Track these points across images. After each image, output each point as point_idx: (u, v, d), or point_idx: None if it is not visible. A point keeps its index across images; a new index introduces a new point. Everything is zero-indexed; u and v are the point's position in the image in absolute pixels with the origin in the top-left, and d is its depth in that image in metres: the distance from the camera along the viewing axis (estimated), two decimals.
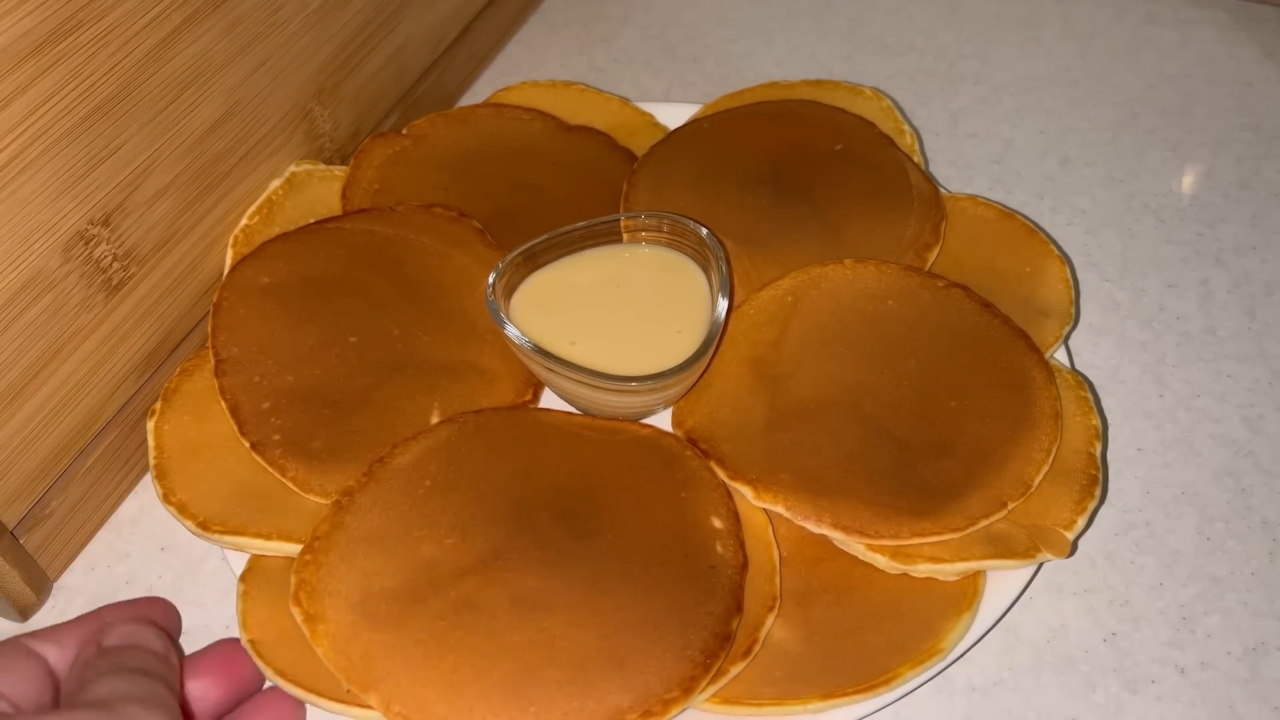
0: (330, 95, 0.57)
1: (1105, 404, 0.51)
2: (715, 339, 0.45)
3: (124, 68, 0.44)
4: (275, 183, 0.54)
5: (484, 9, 0.70)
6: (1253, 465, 0.49)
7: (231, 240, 0.52)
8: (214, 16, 0.48)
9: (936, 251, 0.52)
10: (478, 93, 0.70)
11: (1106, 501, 0.48)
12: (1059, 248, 0.53)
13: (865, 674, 0.39)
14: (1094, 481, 0.44)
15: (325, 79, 0.57)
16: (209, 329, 0.48)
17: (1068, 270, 0.52)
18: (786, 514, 0.42)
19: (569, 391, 0.47)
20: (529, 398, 0.49)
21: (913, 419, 0.45)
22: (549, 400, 0.49)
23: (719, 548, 0.41)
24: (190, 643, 0.45)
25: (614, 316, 0.49)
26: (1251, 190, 0.61)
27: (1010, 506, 0.42)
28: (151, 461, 0.45)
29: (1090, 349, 0.54)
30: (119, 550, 0.48)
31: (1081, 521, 0.43)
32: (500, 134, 0.59)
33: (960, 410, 0.45)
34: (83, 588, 0.47)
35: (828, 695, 0.39)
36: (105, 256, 0.45)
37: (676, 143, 0.57)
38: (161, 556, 0.47)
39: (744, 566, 0.41)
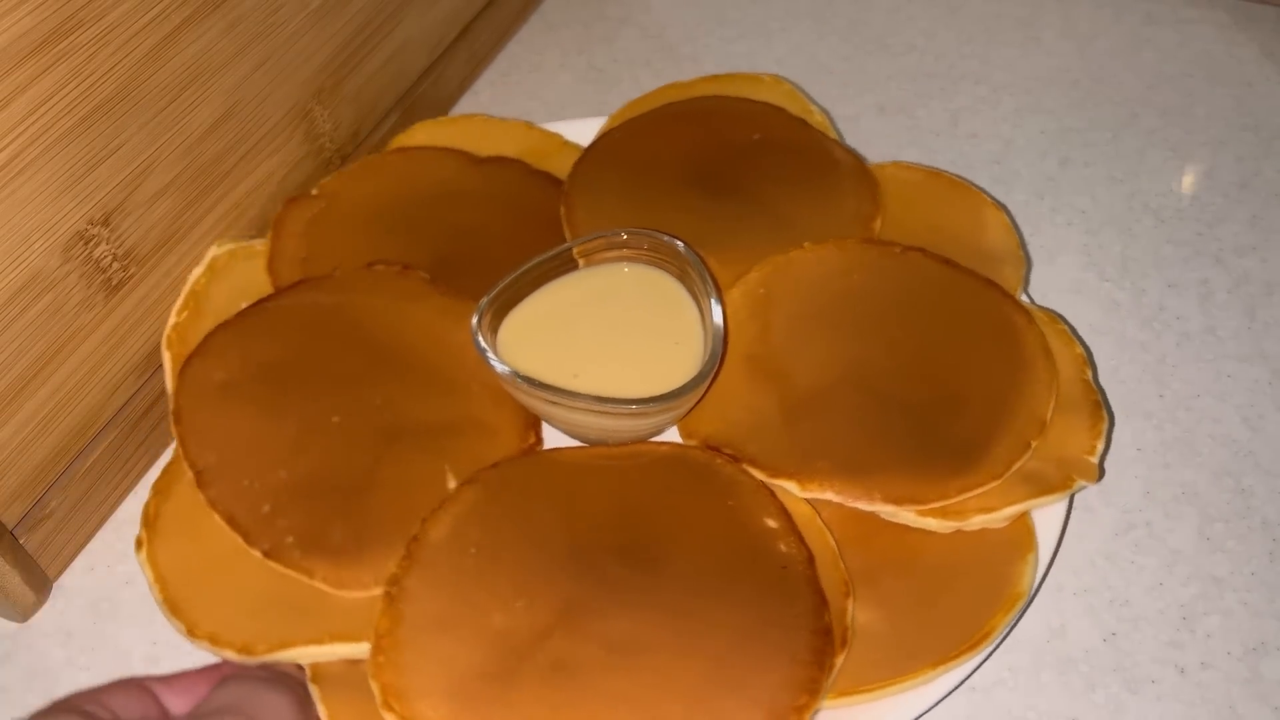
0: (330, 95, 0.57)
1: None
2: (721, 344, 0.45)
3: (124, 67, 0.44)
4: (196, 271, 0.49)
5: (484, 9, 0.70)
6: (1253, 465, 0.49)
7: (165, 342, 0.48)
8: (214, 16, 0.48)
9: (879, 220, 0.53)
10: (478, 92, 0.70)
11: (1106, 501, 0.48)
12: (990, 196, 0.54)
13: (961, 634, 0.40)
14: (1097, 406, 0.46)
15: (325, 79, 0.57)
16: (176, 440, 0.44)
17: (1005, 215, 0.54)
18: (836, 498, 0.43)
19: (578, 424, 0.45)
20: (533, 441, 0.47)
21: (916, 383, 0.46)
22: (552, 438, 0.47)
23: (782, 547, 0.41)
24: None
25: (607, 340, 0.48)
26: (1251, 190, 0.61)
27: (1034, 445, 0.44)
28: (158, 597, 0.41)
29: (1090, 349, 0.54)
30: (119, 550, 0.48)
31: (1100, 445, 0.44)
32: (414, 179, 0.56)
33: (957, 365, 0.47)
34: (83, 588, 0.47)
35: (937, 663, 0.39)
36: (105, 256, 0.45)
37: (598, 158, 0.56)
38: None
39: (811, 559, 0.41)
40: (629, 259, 0.50)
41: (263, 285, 0.51)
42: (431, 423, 0.46)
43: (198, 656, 0.45)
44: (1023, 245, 0.52)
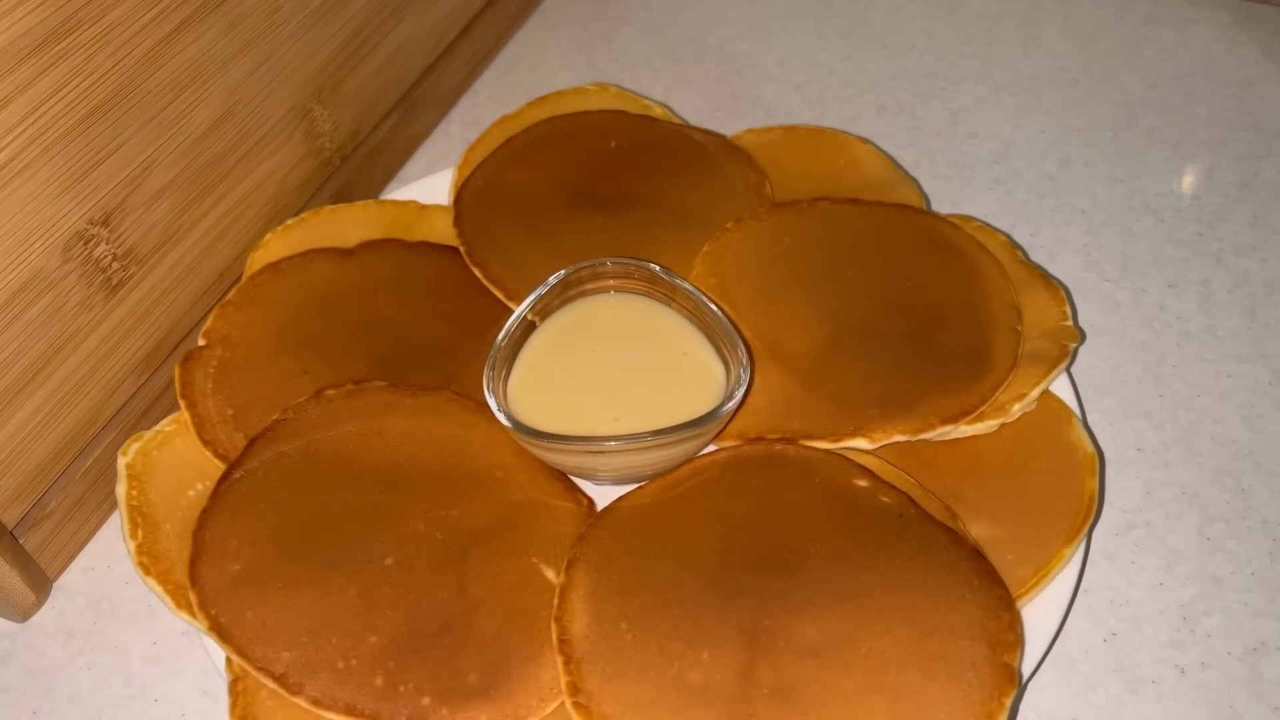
0: (330, 95, 0.57)
1: (1105, 404, 0.51)
2: (740, 340, 0.45)
3: (124, 67, 0.44)
4: (120, 489, 0.44)
5: (484, 9, 0.70)
6: (1253, 465, 0.49)
7: (141, 572, 0.42)
8: (214, 16, 0.48)
9: (768, 184, 0.55)
10: (478, 92, 0.70)
11: (1107, 501, 0.48)
12: (847, 132, 0.58)
13: (1068, 506, 0.43)
14: (1046, 278, 0.50)
15: (325, 79, 0.57)
16: (235, 657, 0.39)
17: (869, 145, 0.57)
18: (902, 438, 0.44)
19: (633, 465, 0.44)
20: (585, 500, 0.45)
21: (895, 314, 0.49)
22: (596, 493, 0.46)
23: (884, 499, 0.42)
24: (192, 643, 0.45)
25: (623, 377, 0.47)
26: (1251, 190, 0.60)
27: (1020, 329, 0.48)
28: None
29: (1090, 349, 0.54)
30: (119, 550, 0.48)
31: (1068, 309, 0.49)
32: (296, 294, 0.51)
33: (918, 287, 0.50)
34: (82, 588, 0.47)
35: (1069, 539, 0.42)
36: (105, 256, 0.45)
37: (475, 210, 0.54)
38: None
39: (912, 499, 0.42)
40: (588, 294, 0.49)
41: (200, 459, 0.45)
42: (484, 524, 0.43)
43: (198, 656, 0.45)
44: (899, 168, 0.56)
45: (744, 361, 0.44)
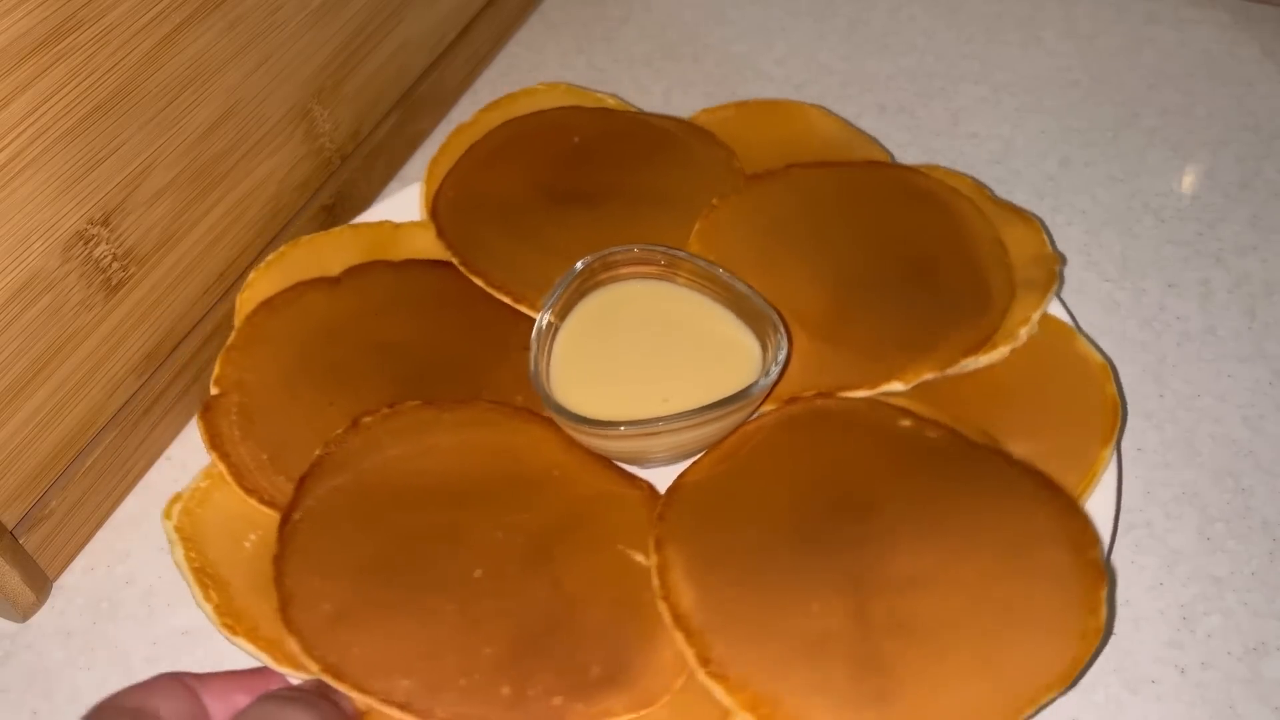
0: (330, 95, 0.57)
1: None
2: (769, 306, 0.46)
3: (124, 67, 0.44)
4: (178, 553, 0.42)
5: (484, 9, 0.70)
6: (1253, 465, 0.49)
7: (225, 629, 0.40)
8: (214, 16, 0.48)
9: (736, 158, 0.56)
10: (478, 92, 0.70)
11: None
12: (804, 101, 0.60)
13: (1094, 414, 0.46)
14: (1016, 210, 0.53)
15: (325, 79, 0.57)
16: (345, 689, 0.38)
17: (821, 109, 0.60)
18: (932, 375, 0.46)
19: (685, 442, 0.45)
20: (647, 488, 0.45)
21: (890, 264, 0.51)
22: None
23: (931, 434, 0.44)
24: (192, 643, 0.45)
25: (659, 359, 0.47)
26: (1251, 190, 0.60)
27: (1009, 260, 0.51)
28: None
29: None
30: (119, 550, 0.48)
31: (1044, 236, 0.51)
32: (298, 329, 0.50)
33: (906, 235, 0.52)
34: (82, 588, 0.47)
35: (1103, 442, 0.45)
36: (105, 256, 0.45)
37: (456, 221, 0.54)
38: (161, 556, 0.47)
39: (956, 431, 0.44)
40: (602, 284, 0.49)
41: (246, 509, 0.44)
42: (558, 522, 0.43)
43: (199, 656, 0.45)
44: (848, 125, 0.59)
45: (777, 325, 0.45)
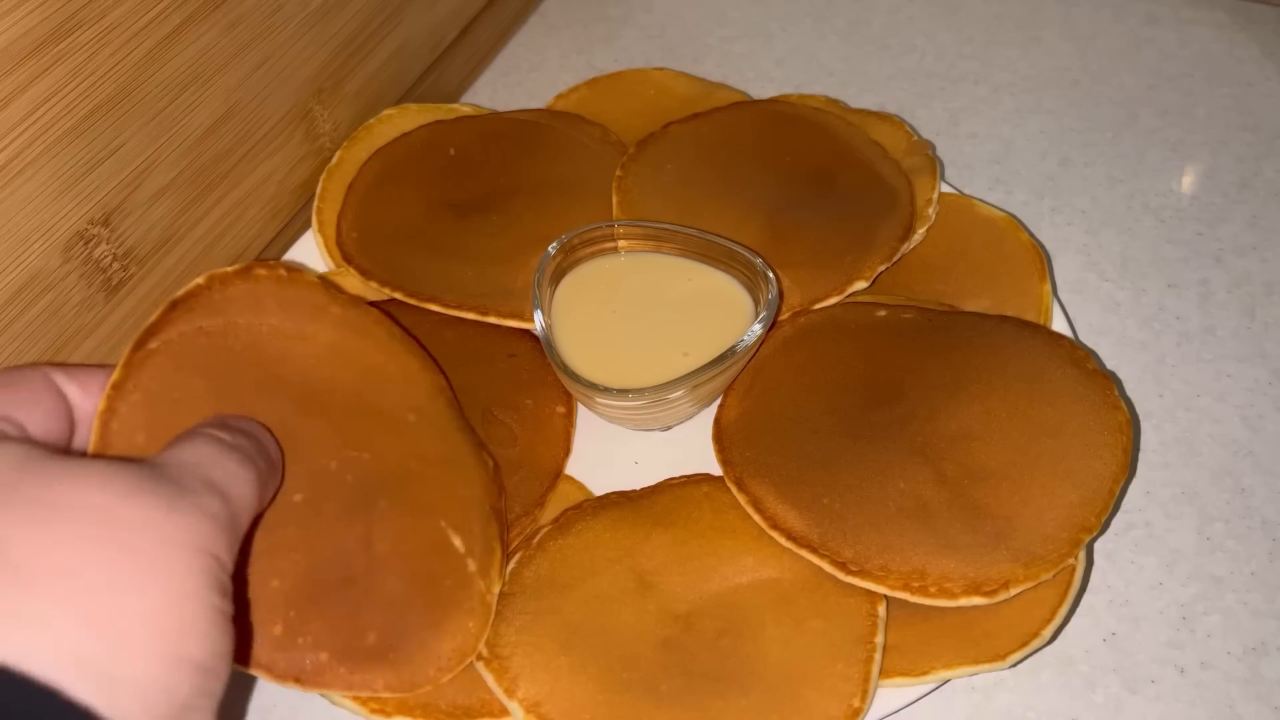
0: (330, 95, 0.57)
1: None
2: (745, 248, 0.48)
3: (124, 68, 0.44)
4: None
5: (484, 9, 0.70)
6: (1253, 465, 0.49)
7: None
8: (214, 16, 0.48)
9: (610, 131, 0.58)
10: (478, 92, 0.70)
11: None
12: (728, 87, 0.62)
13: (1032, 262, 0.52)
14: (877, 114, 0.59)
15: (325, 79, 0.57)
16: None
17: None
18: (884, 267, 0.50)
19: (716, 388, 0.47)
20: (493, 466, 0.44)
21: (797, 185, 0.54)
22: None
23: (907, 315, 0.48)
24: None
25: (659, 318, 0.49)
26: (1251, 190, 0.61)
27: (889, 154, 0.56)
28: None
29: (1090, 349, 0.54)
30: None
31: (908, 128, 0.58)
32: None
33: (797, 158, 0.55)
34: None
35: (1040, 277, 0.51)
36: (105, 256, 0.45)
37: (379, 260, 0.52)
38: None
39: (924, 308, 0.48)
40: (577, 262, 0.50)
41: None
42: (393, 472, 0.40)
43: None
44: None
45: (761, 267, 0.47)
